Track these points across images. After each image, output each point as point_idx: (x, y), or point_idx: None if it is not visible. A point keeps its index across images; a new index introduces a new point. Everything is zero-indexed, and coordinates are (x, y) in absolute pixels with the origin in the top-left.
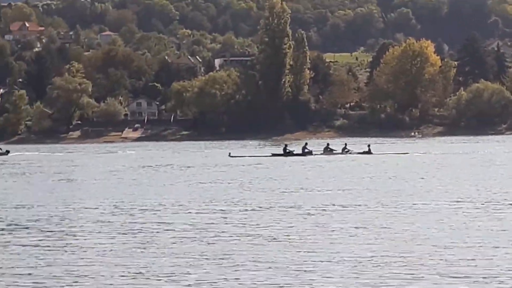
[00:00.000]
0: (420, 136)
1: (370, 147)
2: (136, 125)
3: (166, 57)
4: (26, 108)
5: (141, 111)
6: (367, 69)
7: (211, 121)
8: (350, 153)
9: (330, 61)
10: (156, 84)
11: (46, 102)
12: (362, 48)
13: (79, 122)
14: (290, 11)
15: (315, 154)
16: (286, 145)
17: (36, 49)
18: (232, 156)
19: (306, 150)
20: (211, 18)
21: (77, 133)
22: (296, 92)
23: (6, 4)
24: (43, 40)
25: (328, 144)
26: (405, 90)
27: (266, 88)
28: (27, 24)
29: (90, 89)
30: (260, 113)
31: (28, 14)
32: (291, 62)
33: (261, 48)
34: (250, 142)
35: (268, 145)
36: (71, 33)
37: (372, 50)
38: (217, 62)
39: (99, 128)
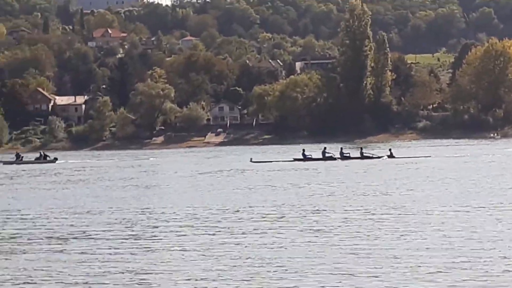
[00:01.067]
0: (499, 137)
1: (392, 151)
2: (219, 130)
3: (247, 61)
4: (110, 114)
5: (223, 115)
6: (449, 70)
7: (293, 124)
8: (371, 157)
9: (412, 63)
10: (238, 89)
11: (130, 108)
12: (443, 49)
13: (162, 127)
14: (370, 13)
15: (336, 159)
16: (304, 150)
17: (119, 55)
18: (253, 162)
19: (326, 155)
20: (291, 21)
21: (160, 139)
22: (377, 94)
23: (89, 11)
24: (126, 46)
25: (341, 148)
26: (488, 90)
27: (347, 90)
28: (109, 31)
29: (172, 95)
30: (341, 116)
31: (111, 20)
32: (372, 64)
33: (342, 51)
34: (332, 145)
35: (351, 148)
36: (153, 38)
37: (453, 50)
38: (298, 65)
39: (182, 133)
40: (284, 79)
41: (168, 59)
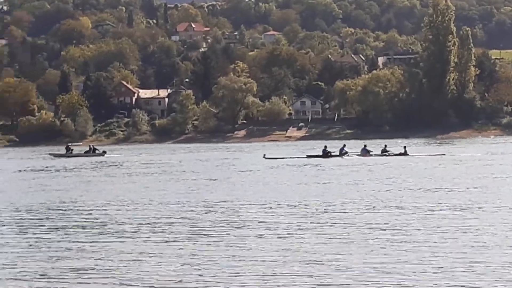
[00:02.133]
0: None
1: (406, 149)
2: (300, 124)
3: (329, 56)
4: (192, 107)
5: (305, 110)
6: None
7: (375, 119)
8: (389, 155)
9: (496, 58)
10: (320, 83)
11: (212, 101)
12: None
13: (244, 121)
14: (454, 8)
15: (352, 155)
16: (325, 146)
17: (202, 49)
18: (266, 158)
19: (343, 152)
20: (374, 16)
21: (242, 132)
22: (460, 89)
23: (172, 5)
24: (209, 41)
25: (365, 146)
26: None
27: (430, 86)
28: (193, 25)
29: (254, 89)
30: (424, 111)
31: (194, 15)
32: (456, 60)
33: (425, 46)
34: (414, 141)
35: (433, 143)
36: (235, 33)
37: None
38: (381, 60)
39: (264, 127)
40: (366, 74)
41: (250, 53)
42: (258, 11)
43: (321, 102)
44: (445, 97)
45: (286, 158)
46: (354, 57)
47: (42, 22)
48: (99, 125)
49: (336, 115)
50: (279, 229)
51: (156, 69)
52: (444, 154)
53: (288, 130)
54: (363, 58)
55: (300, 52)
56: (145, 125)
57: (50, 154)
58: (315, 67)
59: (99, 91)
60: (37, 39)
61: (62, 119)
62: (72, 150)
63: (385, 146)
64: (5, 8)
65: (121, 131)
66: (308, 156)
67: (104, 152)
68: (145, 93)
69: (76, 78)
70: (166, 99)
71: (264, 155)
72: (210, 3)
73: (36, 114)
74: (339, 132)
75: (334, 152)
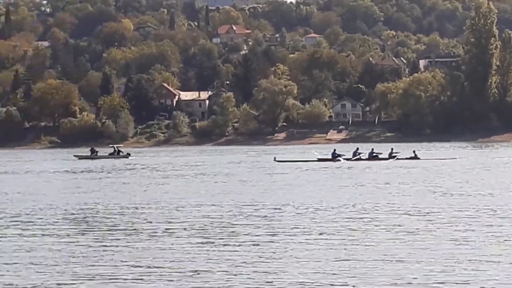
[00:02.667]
0: None
1: (416, 153)
2: (341, 127)
3: (370, 59)
4: (233, 110)
5: (346, 112)
6: None
7: (416, 122)
8: (397, 159)
9: None
10: (360, 86)
11: (253, 104)
12: None
13: (285, 124)
14: (496, 11)
15: (364, 159)
16: (335, 150)
17: (243, 52)
18: (277, 161)
19: (356, 154)
20: (415, 19)
21: (282, 135)
22: (502, 93)
23: (214, 8)
24: (250, 43)
25: (372, 149)
26: None
27: (472, 89)
28: (234, 28)
29: (295, 91)
30: (465, 114)
31: (235, 17)
32: (498, 63)
33: (467, 49)
34: (456, 144)
35: (473, 147)
36: (276, 35)
37: None
38: (422, 63)
39: (304, 129)
40: (407, 77)
41: (291, 55)
42: (299, 14)
43: (362, 105)
44: (486, 101)
45: (298, 161)
46: (395, 60)
47: (85, 24)
48: (140, 127)
49: (376, 118)
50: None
51: (197, 71)
52: (455, 158)
53: (328, 133)
54: (404, 61)
55: (341, 54)
56: (186, 127)
57: (75, 155)
58: (356, 70)
59: (140, 93)
60: (79, 41)
61: (103, 121)
62: (97, 152)
63: (392, 149)
64: (48, 10)
65: (162, 133)
66: (319, 160)
67: (129, 154)
68: (186, 95)
69: (118, 80)
70: (207, 101)
71: (275, 158)
72: (251, 6)
73: (78, 115)
74: (379, 135)
75: (344, 156)
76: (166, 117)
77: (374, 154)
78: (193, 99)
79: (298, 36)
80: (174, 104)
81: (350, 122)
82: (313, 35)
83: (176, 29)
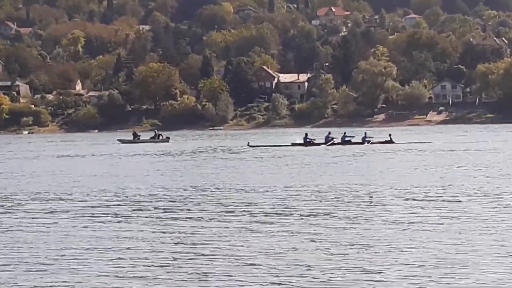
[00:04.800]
0: None
1: (392, 136)
2: (441, 108)
3: (471, 39)
4: (332, 92)
5: (446, 93)
6: None
7: None
8: (371, 143)
9: None
10: (461, 67)
11: (352, 85)
12: None
13: (384, 105)
14: None
15: (337, 144)
16: (306, 134)
17: (342, 34)
18: (251, 146)
19: (328, 140)
20: None
21: (381, 116)
22: None
23: None
24: (349, 25)
25: (345, 133)
26: None
27: None
28: (333, 9)
29: (394, 72)
30: None
31: None
32: None
33: None
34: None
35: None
36: (376, 16)
37: None
38: None
39: (403, 111)
40: (509, 57)
41: (391, 37)
42: None
43: (462, 86)
44: None
45: (271, 146)
46: (497, 40)
47: (185, 7)
48: (239, 109)
49: (477, 99)
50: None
51: (296, 53)
52: (431, 142)
53: (428, 114)
54: (506, 41)
55: (441, 35)
56: (285, 109)
57: (118, 140)
58: (456, 51)
59: (239, 75)
60: (180, 24)
61: (203, 103)
62: (139, 136)
63: (365, 133)
64: None
65: (261, 115)
66: (293, 144)
67: (168, 138)
68: (285, 78)
69: (218, 63)
70: (306, 84)
71: (248, 143)
72: None
73: (179, 98)
74: (480, 116)
75: (315, 140)
76: (265, 99)
77: (347, 139)
78: (292, 81)
79: (398, 17)
80: (273, 87)
81: (450, 103)
82: (412, 15)
83: (276, 11)
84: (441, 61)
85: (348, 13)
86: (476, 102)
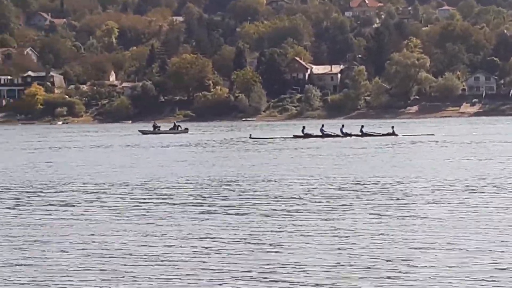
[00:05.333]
0: None
1: (394, 129)
2: (474, 100)
3: (505, 31)
4: (365, 83)
5: (479, 85)
6: None
7: None
8: (372, 135)
9: None
10: (495, 58)
11: (385, 77)
12: None
13: (417, 97)
14: None
15: (336, 136)
16: (304, 127)
17: (375, 25)
18: (252, 138)
19: (324, 133)
20: None
21: (414, 108)
22: None
23: None
24: (382, 16)
25: (342, 125)
26: None
27: None
28: (366, 1)
29: (428, 64)
30: None
31: None
32: None
33: None
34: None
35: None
36: (409, 8)
37: None
38: None
39: (437, 103)
40: None
41: (424, 28)
42: None
43: (496, 77)
44: None
45: (272, 138)
46: None
47: None
48: (272, 100)
49: (511, 90)
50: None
51: (329, 45)
52: (433, 134)
53: (462, 106)
54: None
55: (474, 27)
56: (318, 101)
57: (139, 131)
58: (490, 42)
59: (272, 67)
60: (213, 15)
61: (236, 94)
62: (159, 127)
63: (362, 126)
64: None
65: (294, 106)
66: (295, 136)
67: (187, 129)
68: (318, 69)
69: (251, 54)
70: (339, 75)
71: (250, 135)
72: None
73: (212, 89)
74: None
75: (313, 133)
76: (298, 90)
77: (345, 132)
78: (325, 73)
79: (431, 9)
80: (306, 78)
81: (484, 95)
82: (446, 7)
83: (309, 2)
84: (474, 52)
85: (382, 4)
86: (510, 94)
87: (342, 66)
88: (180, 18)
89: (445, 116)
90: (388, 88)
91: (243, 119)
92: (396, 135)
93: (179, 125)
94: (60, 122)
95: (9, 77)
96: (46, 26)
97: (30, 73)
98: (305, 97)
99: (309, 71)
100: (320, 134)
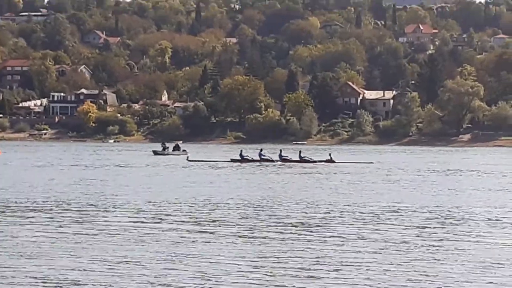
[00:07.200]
0: None
1: (332, 156)
2: None
3: None
4: (417, 110)
5: None
6: None
7: None
8: (309, 161)
9: None
10: None
11: (437, 104)
12: None
13: (470, 125)
14: None
15: (274, 161)
16: (241, 151)
17: (429, 52)
18: (190, 160)
19: (262, 157)
20: None
21: (467, 136)
22: None
23: (401, 7)
24: (436, 43)
25: (281, 151)
26: None
27: None
28: (421, 27)
29: (481, 92)
30: None
31: (423, 16)
32: None
33: None
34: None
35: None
36: (464, 35)
37: None
38: None
39: (490, 131)
40: None
41: (478, 56)
42: (488, 14)
43: None
44: None
45: (210, 161)
46: None
47: (272, 21)
48: (323, 124)
49: None
50: None
51: (382, 70)
52: (372, 163)
53: None
54: None
55: None
56: (369, 126)
57: (153, 151)
58: None
59: (324, 90)
60: (266, 38)
61: (288, 117)
62: (168, 148)
63: (300, 151)
64: (237, 7)
65: (345, 131)
66: (232, 160)
67: (184, 150)
68: (370, 94)
69: (303, 78)
70: (391, 101)
71: (187, 157)
72: (439, 5)
73: (263, 112)
74: None
75: (250, 157)
76: (350, 115)
77: (284, 157)
78: (377, 98)
79: (486, 37)
80: (358, 103)
81: None
82: (502, 36)
83: (363, 27)
84: None
85: (436, 31)
86: None
87: (394, 92)
88: (234, 40)
89: (499, 145)
90: (441, 116)
91: (293, 142)
92: (334, 161)
93: (179, 146)
94: (112, 140)
95: (62, 94)
96: (100, 44)
97: (83, 90)
98: (356, 122)
99: (361, 96)
100: (258, 158)
